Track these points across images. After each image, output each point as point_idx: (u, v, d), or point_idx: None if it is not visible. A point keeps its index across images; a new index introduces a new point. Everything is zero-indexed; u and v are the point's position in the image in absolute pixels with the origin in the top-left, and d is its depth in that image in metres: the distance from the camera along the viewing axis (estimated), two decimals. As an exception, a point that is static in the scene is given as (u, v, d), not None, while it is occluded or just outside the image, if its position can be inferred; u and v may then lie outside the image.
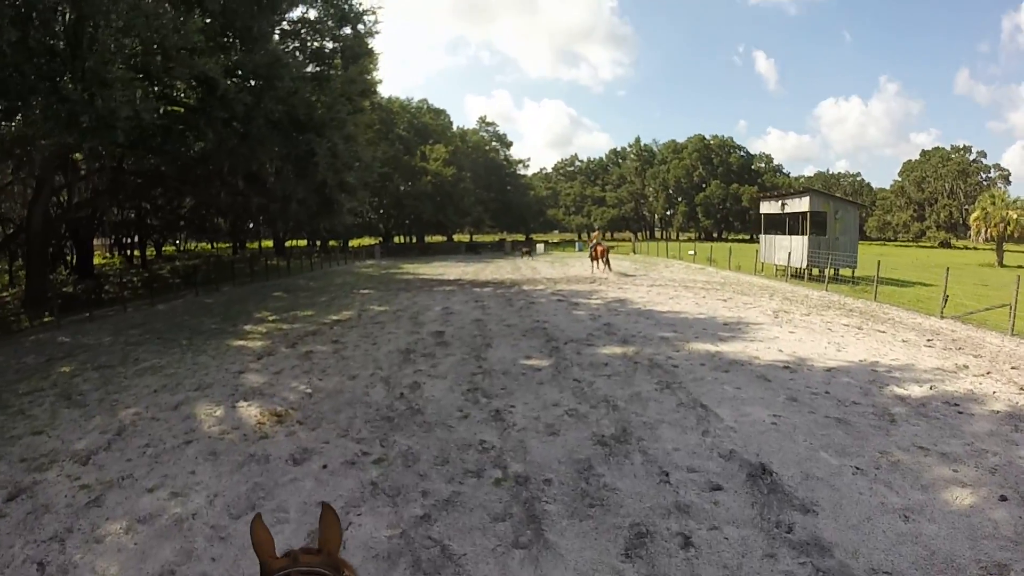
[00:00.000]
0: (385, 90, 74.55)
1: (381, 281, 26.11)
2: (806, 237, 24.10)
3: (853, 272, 22.97)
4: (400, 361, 10.23)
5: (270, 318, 15.61)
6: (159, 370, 10.08)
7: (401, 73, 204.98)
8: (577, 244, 57.31)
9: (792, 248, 24.58)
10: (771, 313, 14.68)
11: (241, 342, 12.39)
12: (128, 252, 40.71)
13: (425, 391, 8.43)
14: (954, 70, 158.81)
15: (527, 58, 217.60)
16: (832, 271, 22.55)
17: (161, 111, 13.26)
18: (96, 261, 48.05)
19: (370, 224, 59.92)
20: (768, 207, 29.10)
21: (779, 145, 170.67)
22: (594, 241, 29.20)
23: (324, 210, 20.30)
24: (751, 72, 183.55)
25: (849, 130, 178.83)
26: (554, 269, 31.28)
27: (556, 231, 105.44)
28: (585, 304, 17.04)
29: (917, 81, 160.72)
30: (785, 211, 26.98)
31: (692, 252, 37.69)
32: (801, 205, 25.45)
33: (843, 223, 25.32)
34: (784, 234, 26.93)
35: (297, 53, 18.40)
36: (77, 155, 18.74)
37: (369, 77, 20.40)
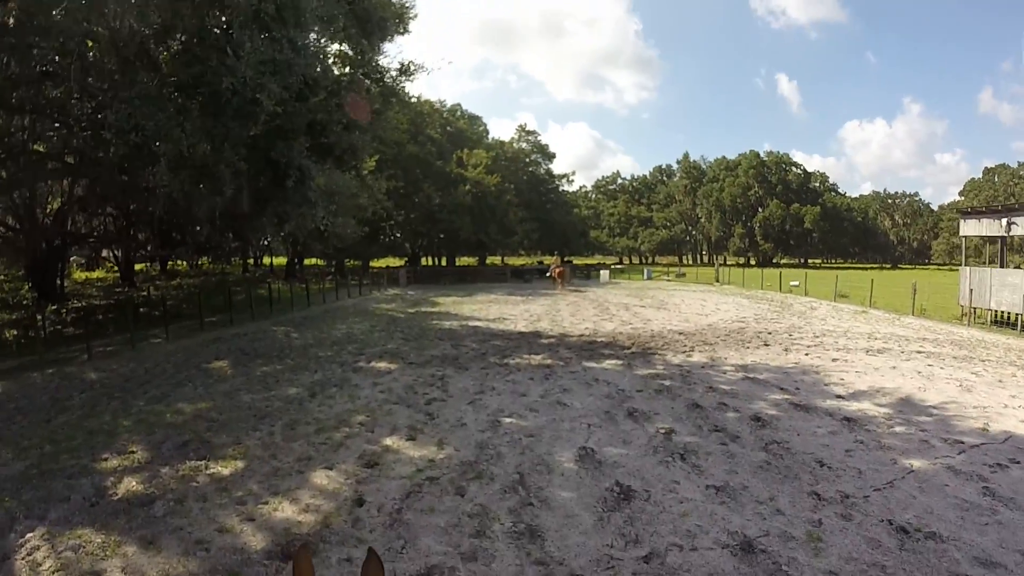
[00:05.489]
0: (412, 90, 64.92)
1: (410, 335, 15.74)
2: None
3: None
4: None
5: (120, 488, 5.79)
6: None
7: (427, 94, 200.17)
8: (646, 271, 47.10)
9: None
10: None
11: None
12: (120, 267, 33.82)
13: None
14: (977, 90, 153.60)
15: (553, 81, 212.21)
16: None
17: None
18: (98, 275, 39.60)
19: (394, 244, 50.31)
20: (977, 227, 20.66)
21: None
22: (553, 264, 36.48)
23: (273, 190, 9.29)
24: (774, 95, 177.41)
25: (874, 152, 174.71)
26: (660, 311, 21.25)
27: (597, 254, 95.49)
28: (847, 411, 7.63)
29: (941, 101, 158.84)
30: (1012, 233, 18.97)
31: (795, 283, 31.91)
32: (1043, 222, 17.85)
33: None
34: (981, 263, 21.32)
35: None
36: None
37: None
